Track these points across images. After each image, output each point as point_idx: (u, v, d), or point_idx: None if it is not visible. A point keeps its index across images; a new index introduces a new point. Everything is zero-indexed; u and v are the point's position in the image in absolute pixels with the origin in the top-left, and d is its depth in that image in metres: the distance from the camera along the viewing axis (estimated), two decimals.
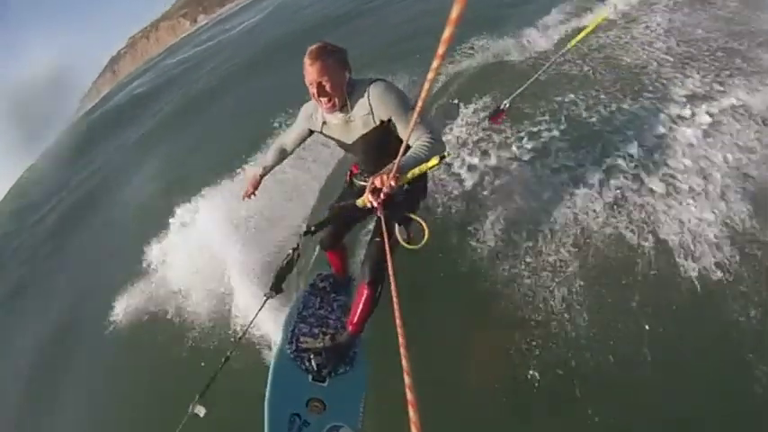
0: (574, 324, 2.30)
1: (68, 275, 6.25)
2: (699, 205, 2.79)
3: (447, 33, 0.58)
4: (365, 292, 1.96)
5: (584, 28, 4.32)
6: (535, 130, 3.48)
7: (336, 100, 1.82)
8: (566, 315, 2.36)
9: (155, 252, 3.89)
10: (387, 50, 7.32)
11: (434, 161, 1.56)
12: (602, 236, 2.67)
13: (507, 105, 2.52)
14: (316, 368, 2.02)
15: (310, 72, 1.76)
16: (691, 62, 4.35)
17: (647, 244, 2.60)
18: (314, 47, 1.77)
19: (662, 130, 3.39)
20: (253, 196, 2.38)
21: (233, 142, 4.77)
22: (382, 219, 1.73)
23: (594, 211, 2.80)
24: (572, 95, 3.83)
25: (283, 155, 2.34)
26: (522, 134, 3.51)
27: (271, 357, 2.19)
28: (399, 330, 0.89)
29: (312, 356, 2.05)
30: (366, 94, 1.82)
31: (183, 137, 8.43)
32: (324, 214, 2.20)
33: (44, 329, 4.96)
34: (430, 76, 0.72)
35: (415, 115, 0.96)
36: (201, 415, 1.67)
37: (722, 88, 3.87)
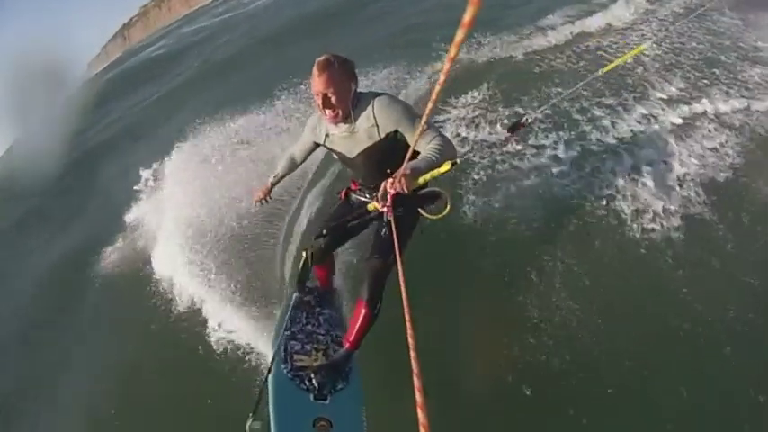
0: (531, 280, 2.72)
1: (75, 215, 6.71)
2: (656, 187, 3.24)
3: (459, 37, 0.57)
4: (363, 310, 1.96)
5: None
6: (522, 112, 3.94)
7: (340, 111, 1.84)
8: (529, 274, 2.75)
9: (134, 210, 4.46)
10: (399, 38, 7.62)
11: (447, 166, 1.58)
12: (568, 204, 3.14)
13: (528, 121, 2.73)
14: (317, 387, 2.00)
15: (317, 83, 1.79)
16: (675, 69, 4.78)
17: (605, 213, 3.06)
18: (322, 58, 1.80)
19: (634, 124, 3.84)
20: (264, 202, 2.46)
21: (247, 108, 5.12)
22: (392, 221, 1.70)
23: (564, 183, 3.27)
24: (559, 88, 4.28)
25: (293, 165, 2.38)
26: (511, 115, 4.00)
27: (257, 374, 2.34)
28: (410, 332, 0.89)
29: (312, 375, 2.03)
30: (371, 107, 1.84)
31: (201, 100, 8.76)
32: (318, 230, 2.25)
33: (44, 264, 5.50)
34: (441, 78, 0.71)
35: (424, 118, 0.96)
36: (258, 428, 1.74)
37: (699, 94, 4.29)
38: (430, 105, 0.86)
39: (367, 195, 2.13)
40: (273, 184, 2.43)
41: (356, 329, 2.01)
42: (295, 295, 2.47)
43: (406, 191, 1.56)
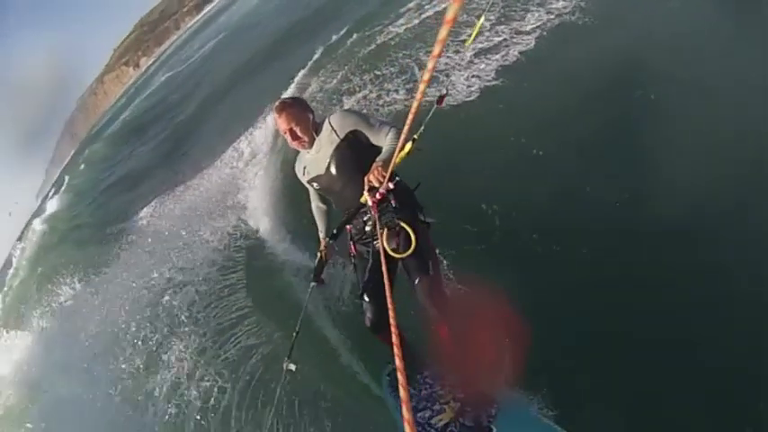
0: None
1: None
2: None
3: (443, 34, 0.60)
4: (447, 330, 1.98)
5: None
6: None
7: (307, 138, 2.10)
8: None
9: None
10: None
11: (408, 146, 1.69)
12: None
13: (446, 91, 2.93)
14: (474, 425, 1.97)
15: (280, 123, 2.08)
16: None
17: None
18: (278, 102, 2.11)
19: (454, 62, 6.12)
20: (332, 256, 2.55)
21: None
22: (376, 218, 1.83)
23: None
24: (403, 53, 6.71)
25: (324, 213, 2.48)
26: (385, 73, 6.47)
27: None
28: (393, 330, 0.92)
29: (463, 421, 1.98)
30: (327, 122, 2.10)
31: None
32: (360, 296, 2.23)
33: None
34: (426, 77, 0.76)
35: (410, 117, 1.07)
36: (294, 369, 1.83)
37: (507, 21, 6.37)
38: (415, 103, 0.94)
39: (363, 221, 2.15)
40: (326, 239, 2.47)
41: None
42: (386, 379, 2.50)
43: (382, 179, 1.73)
